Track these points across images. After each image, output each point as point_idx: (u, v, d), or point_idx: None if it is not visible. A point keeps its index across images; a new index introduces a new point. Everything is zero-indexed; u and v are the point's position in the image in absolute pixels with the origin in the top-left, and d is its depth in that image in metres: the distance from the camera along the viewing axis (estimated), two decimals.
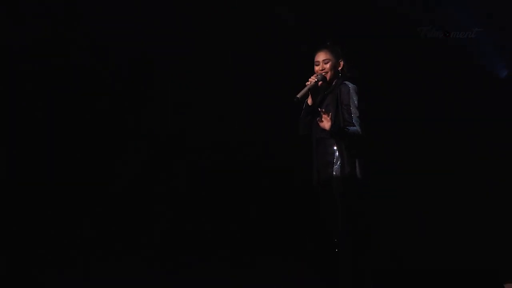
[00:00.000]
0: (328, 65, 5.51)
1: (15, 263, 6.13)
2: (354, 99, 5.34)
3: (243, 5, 6.49)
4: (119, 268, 6.26)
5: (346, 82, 5.44)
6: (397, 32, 6.55)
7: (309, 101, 5.50)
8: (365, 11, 6.53)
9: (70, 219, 6.30)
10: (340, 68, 5.54)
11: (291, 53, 6.54)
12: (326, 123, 5.23)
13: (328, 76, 5.51)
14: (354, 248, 5.13)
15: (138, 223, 6.43)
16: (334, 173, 5.30)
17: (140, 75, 6.42)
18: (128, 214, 6.42)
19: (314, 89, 5.43)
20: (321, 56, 5.55)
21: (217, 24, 6.46)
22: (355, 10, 6.53)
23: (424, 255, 6.65)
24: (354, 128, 5.26)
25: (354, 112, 5.31)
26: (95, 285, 6.19)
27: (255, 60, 6.61)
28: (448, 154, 6.66)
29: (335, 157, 5.34)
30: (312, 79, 5.41)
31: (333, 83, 5.48)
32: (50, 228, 6.26)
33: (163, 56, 6.43)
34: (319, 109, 5.27)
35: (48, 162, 6.30)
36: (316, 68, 5.53)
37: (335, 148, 5.35)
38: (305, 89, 5.36)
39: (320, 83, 5.44)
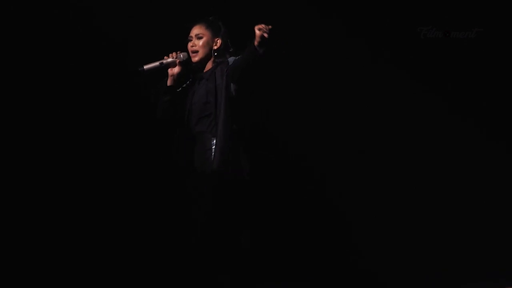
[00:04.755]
0: (201, 42, 4.83)
1: (15, 264, 6.14)
2: None
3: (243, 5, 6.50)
4: (119, 269, 6.27)
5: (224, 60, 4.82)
6: (397, 32, 6.52)
7: (168, 81, 4.89)
8: (364, 10, 6.51)
9: (70, 219, 6.30)
10: (216, 47, 4.84)
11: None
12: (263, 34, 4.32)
13: (198, 55, 4.84)
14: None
15: (138, 224, 6.43)
16: (212, 171, 4.62)
17: (139, 75, 6.43)
18: (128, 214, 6.42)
19: (169, 67, 4.85)
20: (194, 30, 4.87)
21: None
22: (355, 10, 6.51)
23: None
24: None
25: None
26: (95, 285, 6.20)
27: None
28: (448, 154, 6.63)
29: (212, 154, 4.66)
30: (172, 56, 4.88)
31: (208, 65, 4.85)
32: (50, 228, 6.26)
33: (162, 55, 6.44)
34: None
35: (48, 162, 6.31)
36: (189, 44, 4.88)
37: (213, 143, 4.70)
38: (156, 63, 4.86)
39: (177, 61, 4.85)
